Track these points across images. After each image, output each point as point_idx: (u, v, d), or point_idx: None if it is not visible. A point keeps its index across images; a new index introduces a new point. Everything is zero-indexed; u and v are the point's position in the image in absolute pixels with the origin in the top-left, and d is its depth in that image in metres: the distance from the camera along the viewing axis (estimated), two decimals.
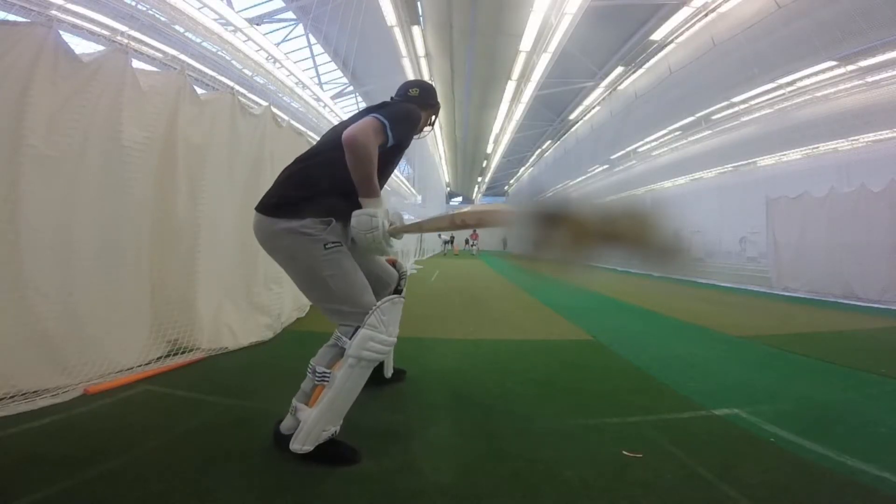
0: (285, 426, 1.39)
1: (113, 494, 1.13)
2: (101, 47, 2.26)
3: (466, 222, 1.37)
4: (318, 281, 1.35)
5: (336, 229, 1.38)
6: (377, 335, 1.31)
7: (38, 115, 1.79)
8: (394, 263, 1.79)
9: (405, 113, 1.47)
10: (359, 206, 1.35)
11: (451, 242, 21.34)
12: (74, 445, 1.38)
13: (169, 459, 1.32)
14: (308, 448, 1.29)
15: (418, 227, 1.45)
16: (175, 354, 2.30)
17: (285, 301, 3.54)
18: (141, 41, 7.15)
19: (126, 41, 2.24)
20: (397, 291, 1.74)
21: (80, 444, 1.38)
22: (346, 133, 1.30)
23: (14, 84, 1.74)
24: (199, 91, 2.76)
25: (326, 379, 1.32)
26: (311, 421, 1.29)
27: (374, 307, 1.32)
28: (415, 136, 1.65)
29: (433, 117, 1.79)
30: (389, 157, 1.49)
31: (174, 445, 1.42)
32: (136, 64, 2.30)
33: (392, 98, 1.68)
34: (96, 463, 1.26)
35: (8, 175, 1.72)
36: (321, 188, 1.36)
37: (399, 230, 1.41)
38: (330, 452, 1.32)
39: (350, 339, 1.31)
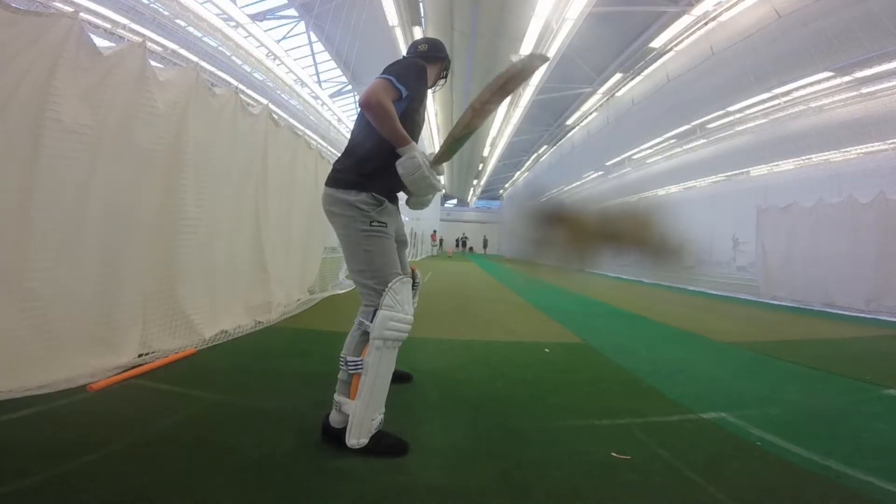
0: (334, 420, 1.44)
1: (89, 488, 1.11)
2: (102, 41, 2.28)
3: (484, 102, 1.42)
4: (358, 253, 1.46)
5: (388, 210, 1.51)
6: (394, 314, 1.38)
7: (65, 102, 1.82)
8: (413, 271, 1.89)
9: (407, 65, 1.55)
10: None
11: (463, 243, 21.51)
12: (52, 438, 1.35)
13: (151, 455, 1.30)
14: (364, 441, 1.36)
15: (451, 140, 1.50)
16: (156, 352, 2.27)
17: (277, 297, 3.54)
18: (140, 34, 7.11)
19: (142, 39, 2.27)
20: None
21: (57, 438, 1.35)
22: (360, 99, 1.42)
23: (41, 72, 1.76)
24: None
25: (360, 367, 1.38)
26: (359, 412, 1.35)
27: (385, 286, 1.40)
28: (430, 89, 1.78)
29: (444, 71, 1.87)
30: (413, 109, 1.57)
31: (157, 441, 1.40)
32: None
33: (404, 56, 1.76)
34: (73, 456, 1.24)
35: (29, 161, 1.73)
36: (377, 165, 1.47)
37: (438, 158, 1.53)
38: (382, 444, 1.39)
39: (371, 321, 1.38)
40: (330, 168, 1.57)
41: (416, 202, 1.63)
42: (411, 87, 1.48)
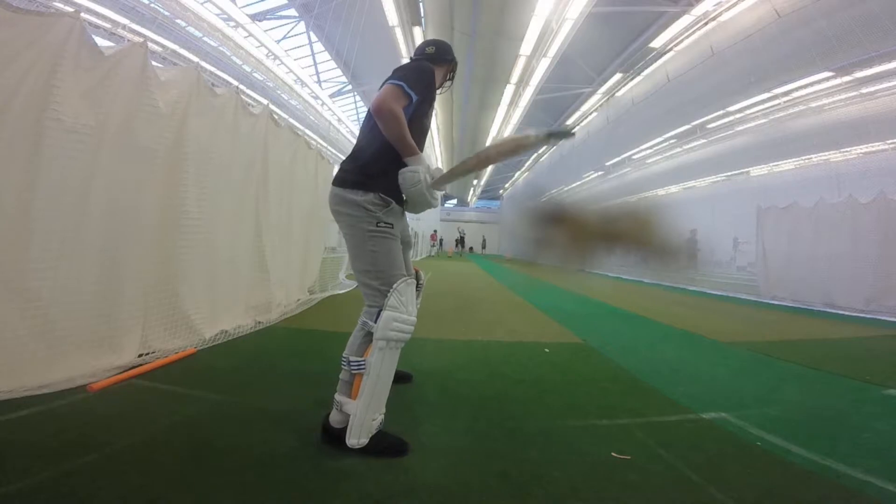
0: (334, 420, 1.44)
1: (89, 488, 1.11)
2: (103, 41, 2.29)
3: (489, 157, 1.44)
4: (364, 253, 1.46)
5: (394, 211, 1.50)
6: (398, 315, 1.38)
7: (65, 101, 1.82)
8: (417, 272, 1.89)
9: (416, 69, 1.55)
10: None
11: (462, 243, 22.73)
12: (52, 438, 1.35)
13: (151, 455, 1.30)
14: (364, 441, 1.35)
15: (451, 174, 1.50)
16: (156, 352, 2.27)
17: (277, 297, 3.54)
18: (140, 34, 7.12)
19: (143, 39, 2.27)
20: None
21: (57, 438, 1.35)
22: (371, 105, 1.42)
23: (42, 72, 1.76)
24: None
25: (362, 368, 1.38)
26: (360, 412, 1.35)
27: (391, 288, 1.39)
28: (437, 91, 1.75)
29: (451, 73, 1.87)
30: (422, 113, 1.57)
31: (157, 441, 1.40)
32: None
33: (411, 58, 1.76)
34: (73, 456, 1.24)
35: (30, 161, 1.74)
36: (383, 166, 1.47)
37: (439, 182, 1.52)
38: (383, 444, 1.39)
39: (375, 322, 1.38)
40: (331, 168, 1.58)
41: (412, 210, 1.64)
42: (421, 92, 1.49)
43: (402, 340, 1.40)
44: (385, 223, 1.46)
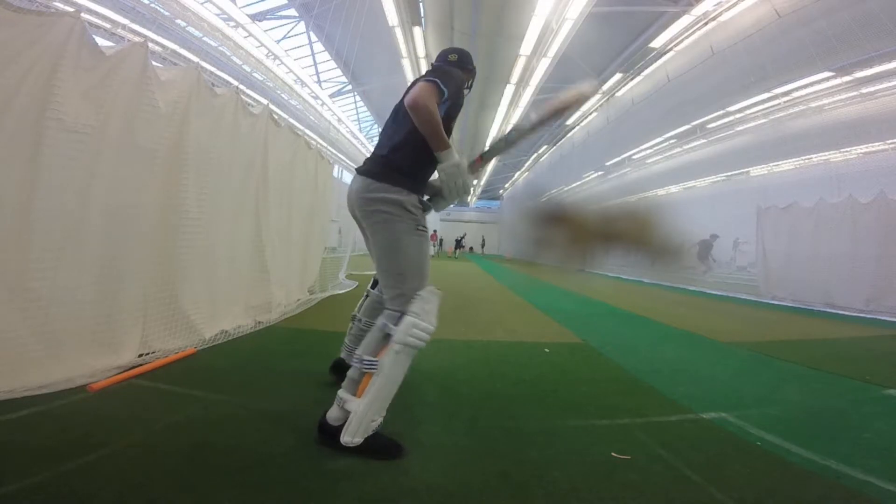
0: (332, 417, 1.42)
1: (89, 488, 1.11)
2: (102, 41, 2.29)
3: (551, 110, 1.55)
4: (397, 254, 1.45)
5: (425, 217, 1.54)
6: (420, 322, 1.38)
7: (66, 101, 1.83)
8: None
9: (448, 71, 1.57)
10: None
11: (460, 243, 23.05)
12: (52, 438, 1.35)
13: (151, 455, 1.30)
14: (358, 440, 1.34)
15: (495, 151, 1.60)
16: (156, 352, 2.27)
17: (277, 297, 3.54)
18: (140, 34, 7.12)
19: (143, 39, 2.28)
20: None
21: (57, 438, 1.35)
22: (406, 100, 1.41)
23: (43, 72, 1.77)
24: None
25: (374, 367, 1.37)
26: (362, 411, 1.34)
27: (417, 293, 1.41)
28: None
29: (470, 81, 1.88)
30: (449, 117, 1.58)
31: (157, 441, 1.40)
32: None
33: (433, 65, 1.78)
34: (73, 456, 1.24)
35: (30, 161, 1.73)
36: (422, 169, 1.50)
37: (477, 167, 1.58)
38: (377, 445, 1.37)
39: (396, 325, 1.38)
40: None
41: (444, 205, 1.62)
42: (452, 92, 1.48)
43: (417, 348, 1.40)
44: (423, 227, 1.48)
